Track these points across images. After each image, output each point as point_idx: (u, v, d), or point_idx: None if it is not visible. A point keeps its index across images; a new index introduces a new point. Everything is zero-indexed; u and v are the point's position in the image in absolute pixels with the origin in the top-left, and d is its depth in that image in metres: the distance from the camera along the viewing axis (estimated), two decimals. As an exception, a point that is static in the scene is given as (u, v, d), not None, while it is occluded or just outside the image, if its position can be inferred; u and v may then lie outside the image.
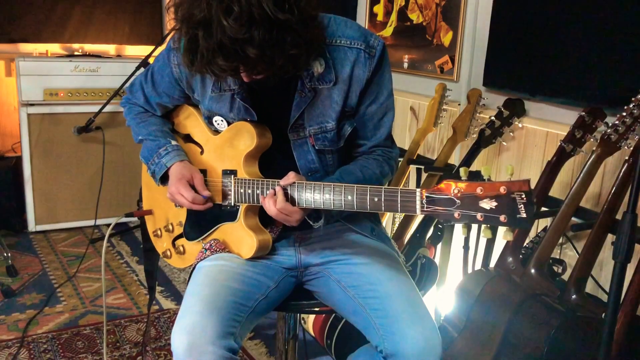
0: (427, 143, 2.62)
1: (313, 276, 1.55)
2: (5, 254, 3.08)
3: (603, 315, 1.31)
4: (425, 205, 1.22)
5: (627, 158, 1.60)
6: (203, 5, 1.20)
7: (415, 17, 2.62)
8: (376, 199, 1.28)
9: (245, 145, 1.49)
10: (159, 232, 1.74)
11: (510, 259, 1.81)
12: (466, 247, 2.17)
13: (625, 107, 1.63)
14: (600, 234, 1.63)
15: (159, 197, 1.73)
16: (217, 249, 1.51)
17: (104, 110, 3.43)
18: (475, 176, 1.18)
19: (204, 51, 1.23)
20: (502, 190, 1.13)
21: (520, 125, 2.13)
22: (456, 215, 1.18)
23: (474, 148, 2.14)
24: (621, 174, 1.61)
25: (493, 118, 2.11)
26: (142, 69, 3.30)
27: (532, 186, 1.76)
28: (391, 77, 1.54)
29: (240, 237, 1.50)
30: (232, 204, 1.51)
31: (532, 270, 1.72)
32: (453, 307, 1.85)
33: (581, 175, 1.70)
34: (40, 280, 3.05)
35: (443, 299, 2.31)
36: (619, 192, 1.61)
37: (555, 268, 1.81)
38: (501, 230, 1.19)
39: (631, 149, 1.63)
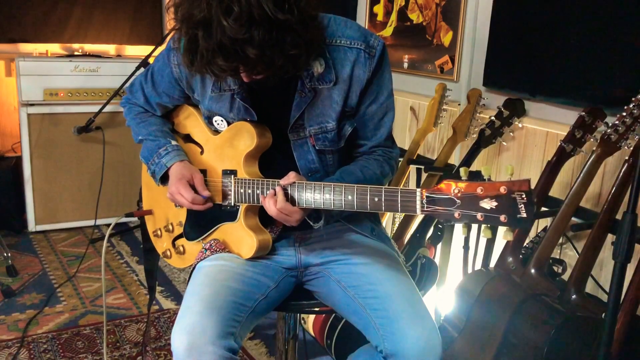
0: (427, 143, 2.62)
1: (313, 276, 1.55)
2: (5, 254, 3.08)
3: (603, 315, 1.31)
4: (426, 205, 1.22)
5: (627, 158, 1.60)
6: (203, 6, 1.20)
7: (415, 17, 2.62)
8: (376, 199, 1.28)
9: (245, 145, 1.49)
10: (159, 232, 1.74)
11: (510, 259, 1.81)
12: (466, 247, 2.17)
13: (625, 107, 1.62)
14: (600, 234, 1.63)
15: (159, 197, 1.73)
16: (217, 249, 1.51)
17: (104, 110, 3.43)
18: (475, 176, 1.18)
19: (203, 51, 1.23)
20: (503, 190, 1.13)
21: (520, 125, 2.13)
22: (456, 215, 1.18)
23: (474, 148, 2.14)
24: (621, 174, 1.61)
25: (493, 118, 2.11)
26: (142, 69, 3.30)
27: (532, 186, 1.76)
28: (391, 77, 1.54)
29: (240, 237, 1.50)
30: (232, 204, 1.51)
31: (532, 270, 1.72)
32: (453, 307, 1.85)
33: (581, 175, 1.70)
34: (40, 280, 3.05)
35: (443, 299, 2.31)
36: (619, 192, 1.61)
37: (555, 268, 1.81)
38: (501, 230, 1.19)
39: (631, 149, 1.63)
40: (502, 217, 1.14)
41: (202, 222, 1.59)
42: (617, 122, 1.64)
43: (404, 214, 2.08)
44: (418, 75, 2.66)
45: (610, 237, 1.64)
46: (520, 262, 1.81)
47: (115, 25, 4.18)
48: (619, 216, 1.56)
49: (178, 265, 1.70)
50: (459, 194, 1.17)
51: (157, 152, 1.59)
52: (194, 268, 1.52)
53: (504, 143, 2.17)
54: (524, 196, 1.12)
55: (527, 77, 2.09)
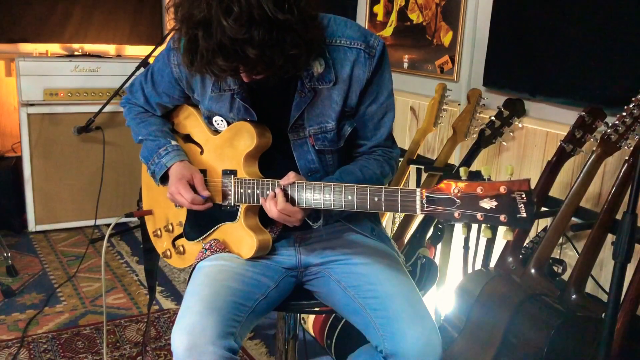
0: (427, 143, 2.62)
1: (313, 276, 1.55)
2: (5, 254, 3.08)
3: (603, 315, 1.31)
4: (425, 205, 1.22)
5: (627, 158, 1.60)
6: (203, 6, 1.20)
7: (415, 17, 2.62)
8: (376, 199, 1.28)
9: (245, 145, 1.49)
10: (159, 232, 1.74)
11: (510, 259, 1.81)
12: (466, 247, 2.17)
13: (625, 107, 1.62)
14: (600, 234, 1.63)
15: (159, 197, 1.73)
16: (217, 249, 1.51)
17: (104, 110, 3.43)
18: (475, 176, 1.18)
19: (203, 51, 1.23)
20: (502, 190, 1.13)
21: (520, 125, 2.13)
22: (456, 215, 1.18)
23: (474, 148, 2.14)
24: (621, 174, 1.61)
25: (493, 118, 2.11)
26: (142, 69, 3.30)
27: (532, 186, 1.76)
28: (391, 77, 1.53)
29: (240, 237, 1.50)
30: (232, 204, 1.51)
31: (532, 270, 1.72)
32: (453, 307, 1.85)
33: (581, 175, 1.70)
34: (40, 280, 3.05)
35: (443, 299, 2.31)
36: (619, 192, 1.61)
37: (555, 268, 1.81)
38: (501, 230, 1.19)
39: (631, 149, 1.63)
40: (502, 217, 1.14)
41: (202, 222, 1.59)
42: (617, 122, 1.64)
43: (404, 214, 2.08)
44: (418, 75, 2.66)
45: (610, 237, 1.64)
46: (520, 262, 1.81)
47: (115, 25, 4.18)
48: (619, 216, 1.56)
49: (178, 265, 1.70)
50: (458, 194, 1.17)
51: (157, 152, 1.59)
52: (194, 268, 1.52)
53: (504, 143, 2.17)
54: (523, 196, 1.12)
55: (527, 77, 2.09)
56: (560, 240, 1.94)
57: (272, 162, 1.53)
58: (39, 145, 3.52)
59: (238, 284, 1.42)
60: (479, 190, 1.15)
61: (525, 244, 1.88)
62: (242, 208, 1.50)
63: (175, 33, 1.33)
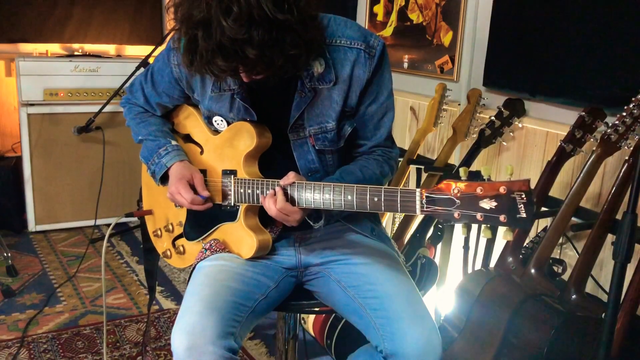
0: (427, 143, 2.62)
1: (313, 276, 1.55)
2: (5, 254, 3.08)
3: (603, 315, 1.31)
4: (425, 205, 1.22)
5: (627, 158, 1.60)
6: (202, 6, 1.20)
7: (415, 17, 2.62)
8: (376, 199, 1.28)
9: (245, 145, 1.49)
10: (159, 232, 1.74)
11: (510, 259, 1.81)
12: (466, 247, 2.17)
13: (625, 107, 1.62)
14: (600, 234, 1.63)
15: (159, 197, 1.73)
16: (217, 249, 1.51)
17: (104, 110, 3.43)
18: (475, 176, 1.18)
19: (203, 51, 1.23)
20: (502, 190, 1.13)
21: (520, 125, 2.13)
22: (456, 215, 1.18)
23: (474, 148, 2.14)
24: (621, 174, 1.61)
25: (493, 118, 2.11)
26: (142, 69, 3.30)
27: (532, 186, 1.76)
28: (391, 77, 1.53)
29: (240, 237, 1.50)
30: (232, 204, 1.51)
31: (532, 270, 1.72)
32: (453, 307, 1.85)
33: (581, 175, 1.70)
34: (40, 280, 3.05)
35: (443, 299, 2.31)
36: (619, 192, 1.61)
37: (555, 268, 1.81)
38: (501, 230, 1.19)
39: (631, 149, 1.63)
40: (502, 217, 1.14)
41: (202, 222, 1.59)
42: (617, 122, 1.64)
43: (403, 214, 2.08)
44: (418, 75, 2.66)
45: (610, 237, 1.64)
46: (520, 262, 1.81)
47: (115, 25, 4.18)
48: (619, 216, 1.56)
49: (178, 265, 1.70)
50: (458, 194, 1.17)
51: (157, 152, 1.59)
52: (194, 268, 1.52)
53: (504, 143, 2.17)
54: (523, 196, 1.12)
55: (527, 77, 2.09)
56: (560, 240, 1.94)
57: (272, 162, 1.53)
58: (39, 145, 3.52)
59: (238, 284, 1.42)
60: (478, 190, 1.15)
61: (525, 244, 1.88)
62: (242, 208, 1.50)
63: (175, 33, 1.33)
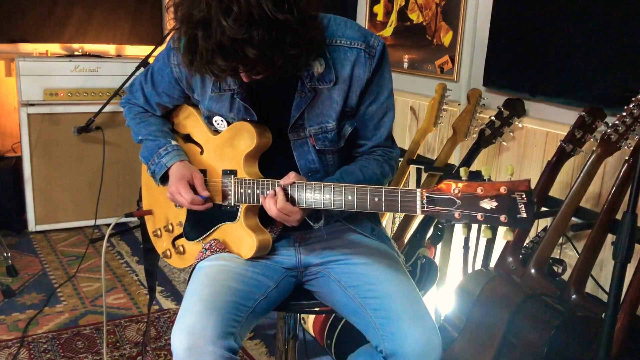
0: (427, 143, 2.62)
1: (313, 276, 1.55)
2: (5, 254, 3.07)
3: (603, 315, 1.31)
4: (426, 205, 1.22)
5: (627, 158, 1.60)
6: (202, 6, 1.20)
7: (415, 17, 2.62)
8: (376, 199, 1.28)
9: (245, 145, 1.49)
10: (159, 232, 1.74)
11: (510, 259, 1.81)
12: (466, 247, 2.17)
13: (625, 107, 1.62)
14: (600, 234, 1.63)
15: (159, 197, 1.73)
16: (217, 249, 1.51)
17: (104, 110, 3.43)
18: (475, 176, 1.18)
19: (203, 51, 1.23)
20: (503, 190, 1.13)
21: (520, 125, 2.13)
22: (456, 215, 1.18)
23: (474, 148, 2.14)
24: (621, 174, 1.61)
25: (493, 118, 2.11)
26: (142, 69, 3.30)
27: (532, 186, 1.76)
28: (391, 77, 1.53)
29: (240, 237, 1.50)
30: (232, 204, 1.51)
31: (532, 270, 1.72)
32: (453, 307, 1.85)
33: (581, 175, 1.70)
34: (40, 280, 3.05)
35: (443, 299, 2.31)
36: (619, 192, 1.61)
37: (555, 268, 1.81)
38: (501, 230, 1.19)
39: (631, 149, 1.63)
40: (502, 217, 1.14)
41: (202, 222, 1.59)
42: (617, 122, 1.64)
43: (404, 214, 2.08)
44: (418, 75, 2.66)
45: (610, 237, 1.64)
46: (520, 262, 1.81)
47: (115, 25, 4.18)
48: (619, 216, 1.56)
49: (178, 265, 1.70)
50: (459, 194, 1.17)
51: (157, 152, 1.59)
52: (194, 268, 1.52)
53: (504, 143, 2.17)
54: (524, 196, 1.12)
55: (527, 77, 2.09)
56: (560, 240, 1.94)
57: (272, 162, 1.53)
58: (39, 145, 3.52)
59: (238, 284, 1.42)
60: (479, 190, 1.15)
61: (525, 244, 1.88)
62: (242, 208, 1.50)
63: (175, 33, 1.33)
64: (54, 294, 2.91)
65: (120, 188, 3.74)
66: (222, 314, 1.33)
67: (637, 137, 1.63)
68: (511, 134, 2.14)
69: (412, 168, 2.45)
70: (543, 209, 1.89)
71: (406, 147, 2.44)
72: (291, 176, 1.38)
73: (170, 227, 1.70)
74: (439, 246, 2.30)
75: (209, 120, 1.58)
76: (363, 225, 1.60)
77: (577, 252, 1.89)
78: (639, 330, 1.55)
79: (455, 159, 2.41)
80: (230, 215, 1.52)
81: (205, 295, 1.36)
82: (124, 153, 3.70)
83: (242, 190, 1.48)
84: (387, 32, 2.78)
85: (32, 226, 3.60)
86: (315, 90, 1.45)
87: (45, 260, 3.29)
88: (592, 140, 1.76)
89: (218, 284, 1.40)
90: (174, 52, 1.52)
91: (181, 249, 1.66)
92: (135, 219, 1.87)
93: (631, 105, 1.62)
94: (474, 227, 2.10)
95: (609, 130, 1.65)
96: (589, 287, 1.74)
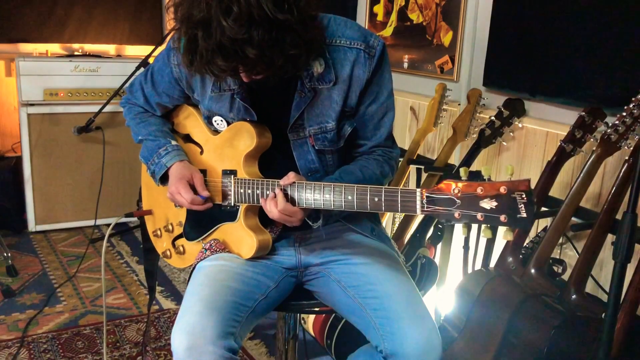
0: (427, 143, 2.62)
1: (313, 276, 1.55)
2: (5, 254, 3.07)
3: (603, 315, 1.31)
4: (426, 205, 1.22)
5: (627, 158, 1.60)
6: (202, 6, 1.20)
7: (415, 17, 2.62)
8: (376, 199, 1.28)
9: (245, 145, 1.49)
10: (158, 232, 1.74)
11: (510, 259, 1.81)
12: (466, 247, 2.17)
13: (625, 107, 1.62)
14: (600, 234, 1.63)
15: (159, 197, 1.73)
16: (217, 249, 1.51)
17: (104, 110, 3.43)
18: (475, 176, 1.18)
19: (203, 51, 1.23)
20: (503, 190, 1.13)
21: (520, 125, 2.13)
22: (456, 215, 1.18)
23: (474, 148, 2.14)
24: (621, 174, 1.61)
25: (493, 118, 2.11)
26: (142, 69, 3.30)
27: (532, 186, 1.76)
28: (391, 77, 1.53)
29: (240, 237, 1.50)
30: (232, 204, 1.51)
31: (532, 270, 1.72)
32: (453, 307, 1.85)
33: (581, 175, 1.70)
34: (40, 280, 3.05)
35: (443, 299, 2.31)
36: (619, 192, 1.61)
37: (555, 268, 1.81)
38: (501, 230, 1.19)
39: (631, 149, 1.63)
40: (502, 217, 1.14)
41: (202, 222, 1.59)
42: (617, 122, 1.64)
43: (404, 214, 2.08)
44: (418, 75, 2.66)
45: (610, 237, 1.64)
46: (520, 262, 1.81)
47: (115, 25, 4.18)
48: (619, 216, 1.56)
49: (178, 265, 1.70)
50: (459, 194, 1.17)
51: (157, 152, 1.59)
52: (194, 268, 1.52)
53: (504, 143, 2.17)
54: (524, 196, 1.12)
55: (527, 77, 2.09)
56: (560, 240, 1.94)
57: (272, 162, 1.53)
58: (39, 145, 3.52)
59: (238, 284, 1.42)
60: (479, 190, 1.15)
61: (525, 244, 1.88)
62: (242, 208, 1.50)
63: (175, 33, 1.33)
64: (54, 294, 2.91)
65: (120, 188, 3.74)
66: (222, 314, 1.33)
67: (637, 137, 1.63)
68: (511, 134, 2.14)
69: (412, 168, 2.45)
70: (543, 209, 1.89)
71: (406, 147, 2.44)
72: (290, 176, 1.38)
73: (170, 227, 1.70)
74: (439, 246, 2.30)
75: (208, 120, 1.58)
76: (363, 225, 1.59)
77: (577, 252, 1.89)
78: (639, 330, 1.55)
79: (455, 159, 2.41)
80: (230, 215, 1.52)
81: (205, 295, 1.36)
82: (124, 153, 3.70)
83: (242, 190, 1.48)
84: (387, 32, 2.78)
85: (32, 226, 3.60)
86: (315, 90, 1.45)
87: (45, 260, 3.29)
88: (592, 140, 1.76)
89: (218, 284, 1.40)
90: (174, 52, 1.52)
91: (181, 249, 1.66)
92: (135, 219, 1.86)
93: (631, 105, 1.62)
94: (474, 227, 2.10)
95: (609, 130, 1.65)
96: (589, 287, 1.74)
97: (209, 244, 1.53)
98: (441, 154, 2.29)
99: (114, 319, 2.69)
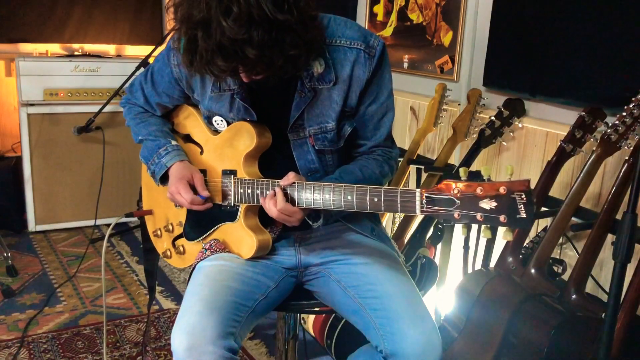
0: (427, 143, 2.62)
1: (313, 276, 1.55)
2: (5, 254, 3.08)
3: (603, 315, 1.31)
4: (425, 206, 1.22)
5: (627, 158, 1.60)
6: (202, 6, 1.20)
7: (415, 17, 2.62)
8: (376, 199, 1.28)
9: (245, 145, 1.49)
10: (159, 232, 1.74)
11: (510, 259, 1.81)
12: (466, 247, 2.17)
13: (625, 107, 1.62)
14: (600, 234, 1.63)
15: (159, 197, 1.73)
16: (217, 249, 1.51)
17: (104, 110, 3.43)
18: (475, 176, 1.18)
19: (203, 51, 1.23)
20: (502, 190, 1.13)
21: (520, 125, 2.13)
22: (456, 215, 1.18)
23: (474, 148, 2.14)
24: (621, 174, 1.61)
25: (493, 118, 2.11)
26: (142, 69, 3.30)
27: (532, 186, 1.76)
28: (391, 77, 1.53)
29: (240, 237, 1.50)
30: (232, 204, 1.51)
31: (532, 270, 1.72)
32: (453, 307, 1.85)
33: (581, 175, 1.70)
34: (40, 280, 3.05)
35: (443, 299, 2.31)
36: (619, 192, 1.61)
37: (555, 268, 1.81)
38: (501, 230, 1.19)
39: (631, 149, 1.63)
40: (502, 218, 1.14)
41: (202, 222, 1.59)
42: (617, 122, 1.64)
43: (404, 214, 2.08)
44: (418, 75, 2.66)
45: (610, 237, 1.64)
46: (520, 262, 1.81)
47: (115, 25, 4.18)
48: (619, 216, 1.56)
49: (178, 265, 1.70)
50: (458, 194, 1.17)
51: (157, 152, 1.59)
52: (194, 268, 1.52)
53: (504, 143, 2.17)
54: (523, 196, 1.12)
55: (527, 77, 2.09)
56: (560, 240, 1.94)
57: (272, 162, 1.53)
58: (39, 145, 3.52)
59: (238, 284, 1.42)
60: (478, 190, 1.15)
61: (525, 244, 1.88)
62: (242, 208, 1.50)
63: (175, 33, 1.33)
64: (54, 294, 2.91)
65: (120, 188, 3.74)
66: (222, 314, 1.33)
67: (637, 137, 1.63)
68: (511, 134, 2.14)
69: (412, 168, 2.45)
70: (543, 209, 1.89)
71: (406, 147, 2.44)
72: (290, 177, 1.38)
73: (170, 227, 1.70)
74: (439, 246, 2.30)
75: (208, 120, 1.58)
76: (363, 225, 1.60)
77: (577, 252, 1.89)
78: (639, 330, 1.56)
79: (455, 159, 2.41)
80: (230, 215, 1.52)
81: (205, 295, 1.36)
82: (124, 153, 3.70)
83: (241, 190, 1.48)
84: (387, 32, 2.78)
85: (32, 226, 3.60)
86: (315, 90, 1.45)
87: (45, 260, 3.29)
88: (592, 140, 1.76)
89: (218, 284, 1.40)
90: (174, 52, 1.52)
91: (181, 249, 1.66)
92: (135, 219, 1.87)
93: (631, 105, 1.62)
94: (474, 227, 2.10)
95: (609, 130, 1.65)
96: (589, 287, 1.74)
97: (209, 244, 1.53)
98: (441, 154, 2.29)
99: (114, 319, 2.69)
